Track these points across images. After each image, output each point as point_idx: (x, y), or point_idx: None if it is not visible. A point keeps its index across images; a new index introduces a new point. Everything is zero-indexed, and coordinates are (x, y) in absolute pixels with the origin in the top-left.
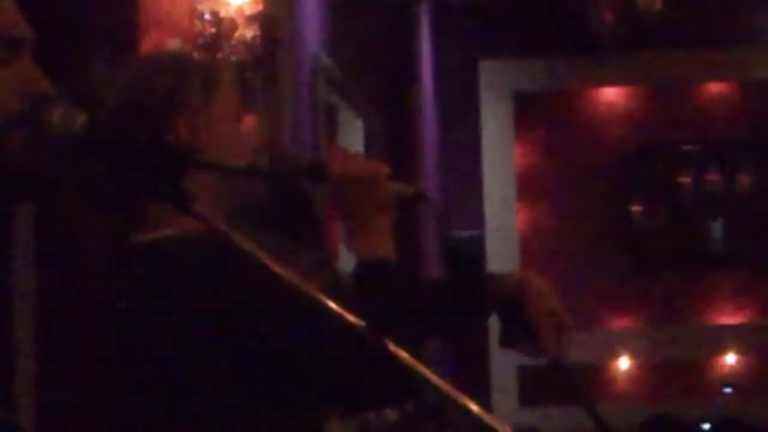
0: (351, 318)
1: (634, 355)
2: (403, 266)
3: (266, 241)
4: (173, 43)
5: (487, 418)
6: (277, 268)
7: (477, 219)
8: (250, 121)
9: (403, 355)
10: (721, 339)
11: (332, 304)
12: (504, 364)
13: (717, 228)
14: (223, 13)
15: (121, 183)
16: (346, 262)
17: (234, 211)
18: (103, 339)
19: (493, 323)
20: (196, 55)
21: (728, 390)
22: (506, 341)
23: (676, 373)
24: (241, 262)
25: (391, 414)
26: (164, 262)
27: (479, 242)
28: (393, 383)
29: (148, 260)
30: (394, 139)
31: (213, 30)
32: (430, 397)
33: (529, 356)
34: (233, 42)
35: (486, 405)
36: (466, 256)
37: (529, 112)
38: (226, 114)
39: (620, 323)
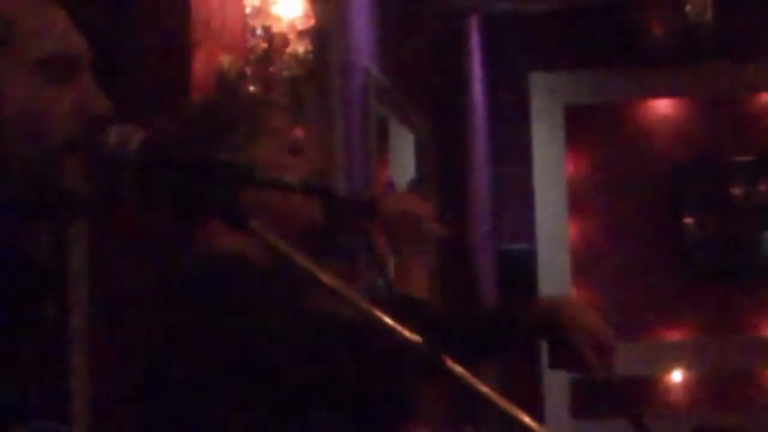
0: (407, 334)
1: (686, 367)
2: (434, 306)
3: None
4: (225, 59)
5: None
6: (335, 285)
7: (528, 232)
8: (306, 151)
9: (460, 370)
10: None
11: (389, 320)
12: (556, 377)
13: None
14: (275, 29)
15: (178, 200)
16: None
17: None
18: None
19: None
20: (249, 92)
21: None
22: (554, 363)
23: (729, 385)
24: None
25: None
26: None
27: (531, 255)
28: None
29: (179, 280)
30: (445, 152)
31: (265, 45)
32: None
33: (579, 375)
34: (285, 57)
35: (538, 418)
36: (518, 270)
37: (579, 124)
38: (272, 151)
39: (672, 335)
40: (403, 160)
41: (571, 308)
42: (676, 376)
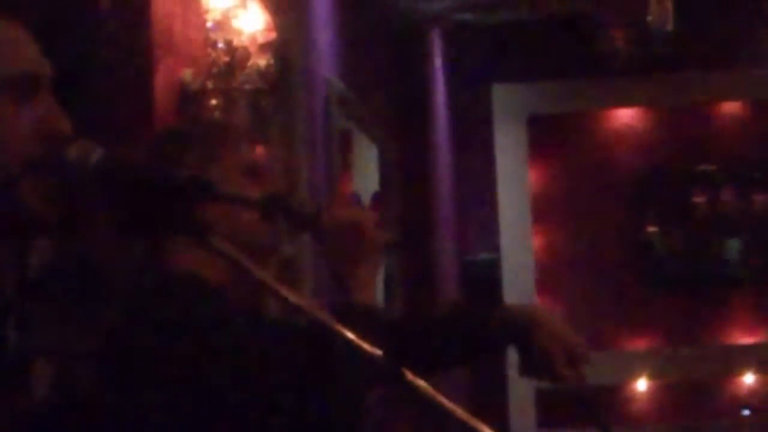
0: (367, 347)
1: (651, 376)
2: (383, 312)
3: None
4: (187, 73)
5: None
6: (295, 300)
7: (493, 242)
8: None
9: (421, 383)
10: (738, 359)
11: (348, 334)
12: (522, 387)
13: (733, 247)
14: (236, 42)
15: (137, 216)
16: None
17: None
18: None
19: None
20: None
21: (746, 412)
22: (525, 371)
23: (694, 394)
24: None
25: None
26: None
27: (495, 265)
28: None
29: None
30: (409, 164)
31: (227, 59)
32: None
33: (549, 383)
34: (247, 70)
35: (504, 428)
36: (483, 280)
37: (542, 134)
38: (226, 173)
39: (637, 344)
40: (366, 172)
41: (541, 316)
42: (641, 385)
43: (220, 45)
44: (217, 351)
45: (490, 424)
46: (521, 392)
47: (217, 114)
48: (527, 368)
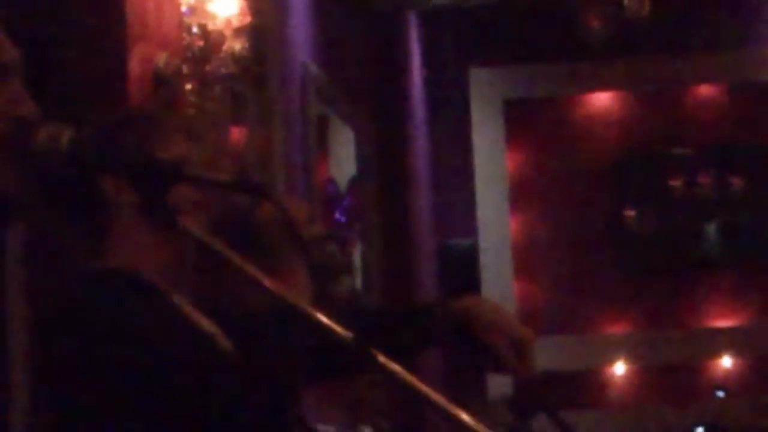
0: (339, 330)
1: (628, 359)
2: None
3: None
4: (161, 57)
5: (480, 428)
6: (267, 283)
7: (470, 227)
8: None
9: (394, 366)
10: (715, 342)
11: (321, 317)
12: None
13: (710, 231)
14: (210, 26)
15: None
16: None
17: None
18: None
19: None
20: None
21: (720, 394)
22: (471, 363)
23: (671, 377)
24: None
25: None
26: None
27: (473, 250)
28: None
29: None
30: (385, 148)
31: (201, 43)
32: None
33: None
34: (222, 55)
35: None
36: (460, 264)
37: (519, 118)
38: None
39: (614, 328)
40: (343, 156)
41: (485, 307)
42: (619, 368)
43: (195, 29)
44: (140, 351)
45: (467, 410)
46: (498, 378)
47: (191, 98)
48: (474, 361)
